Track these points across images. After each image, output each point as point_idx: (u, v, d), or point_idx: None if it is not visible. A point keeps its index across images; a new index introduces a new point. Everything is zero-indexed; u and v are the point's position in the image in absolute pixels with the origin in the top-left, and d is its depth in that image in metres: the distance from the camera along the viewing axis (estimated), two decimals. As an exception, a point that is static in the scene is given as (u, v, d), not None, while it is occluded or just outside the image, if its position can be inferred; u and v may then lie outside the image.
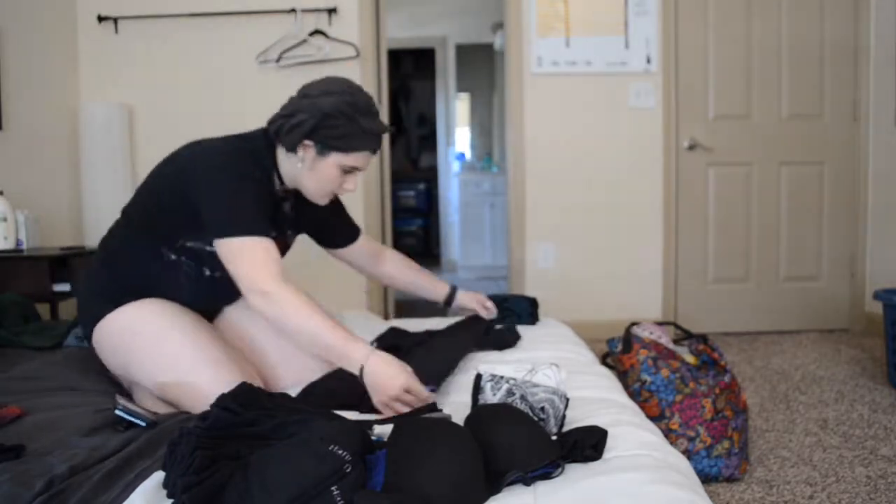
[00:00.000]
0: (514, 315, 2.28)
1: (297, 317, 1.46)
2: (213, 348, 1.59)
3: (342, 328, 1.48)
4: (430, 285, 2.08)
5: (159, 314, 1.61)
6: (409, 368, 1.45)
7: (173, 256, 1.64)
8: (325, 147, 1.59)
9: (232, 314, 1.81)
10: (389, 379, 1.40)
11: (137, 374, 1.60)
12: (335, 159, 1.60)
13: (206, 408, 1.14)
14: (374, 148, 1.63)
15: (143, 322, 1.60)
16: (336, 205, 1.95)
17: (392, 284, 2.12)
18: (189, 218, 1.58)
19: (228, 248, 1.51)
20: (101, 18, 3.55)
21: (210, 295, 1.73)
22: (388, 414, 1.41)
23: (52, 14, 3.39)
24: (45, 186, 3.26)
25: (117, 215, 1.77)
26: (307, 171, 1.63)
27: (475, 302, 2.11)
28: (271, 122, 1.63)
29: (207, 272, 1.68)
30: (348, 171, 1.63)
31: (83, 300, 1.71)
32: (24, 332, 2.05)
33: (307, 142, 1.59)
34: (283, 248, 1.81)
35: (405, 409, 1.39)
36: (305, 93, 1.60)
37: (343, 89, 1.58)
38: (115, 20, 3.55)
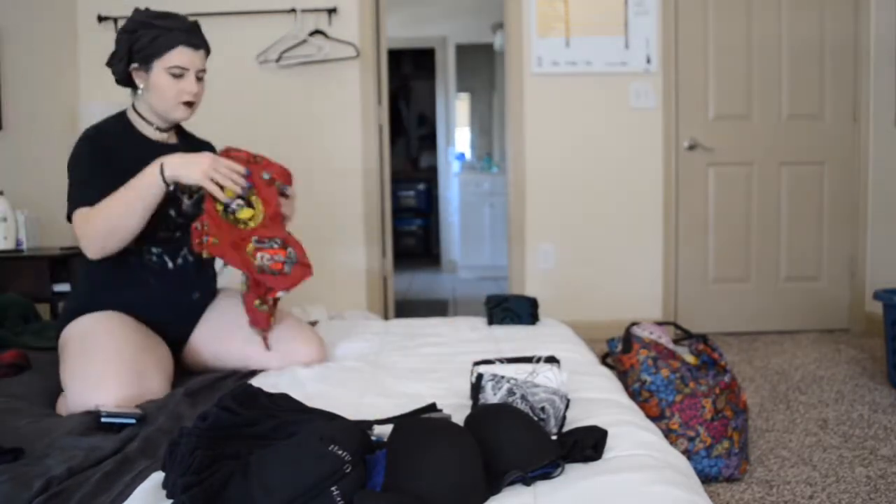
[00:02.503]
0: (514, 315, 2.29)
1: (96, 218, 1.60)
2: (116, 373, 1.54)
3: (125, 187, 1.61)
4: None
5: (91, 331, 1.62)
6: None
7: (133, 254, 1.71)
8: (144, 61, 1.70)
9: (202, 334, 1.84)
10: (194, 157, 1.62)
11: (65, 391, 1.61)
12: (158, 66, 1.70)
13: None
14: (188, 42, 1.71)
15: (77, 340, 1.62)
16: (212, 150, 1.96)
17: None
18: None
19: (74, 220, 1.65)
20: (101, 18, 3.54)
21: (172, 287, 1.78)
22: (215, 184, 1.59)
23: (52, 14, 3.39)
24: (45, 186, 3.26)
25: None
26: (149, 94, 1.73)
27: None
28: (112, 72, 1.77)
29: (170, 264, 1.76)
30: (178, 74, 1.71)
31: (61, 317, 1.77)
32: (24, 332, 2.05)
33: (133, 66, 1.71)
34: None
35: (233, 173, 1.62)
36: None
37: (137, 8, 1.74)
38: (115, 20, 3.55)
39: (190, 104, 1.77)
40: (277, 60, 3.50)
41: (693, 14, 3.66)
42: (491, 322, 2.31)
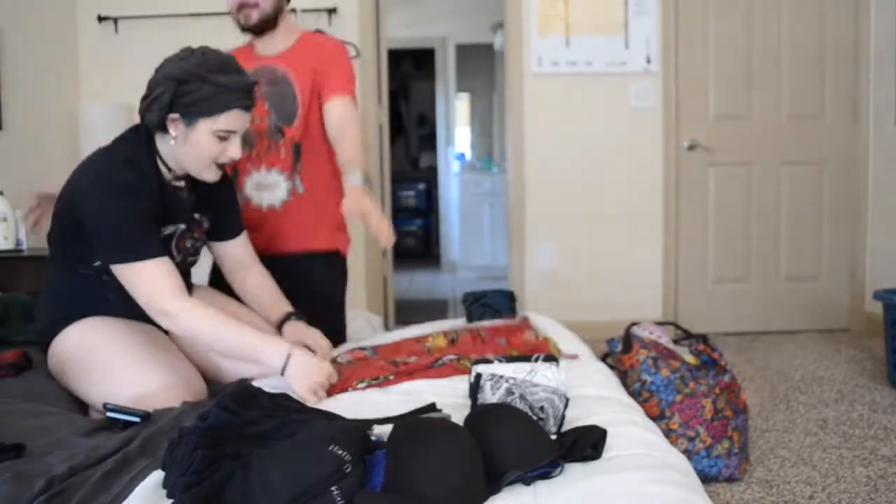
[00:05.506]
0: (492, 310, 2.24)
1: (206, 329, 1.46)
2: (156, 362, 1.52)
3: (253, 330, 1.49)
4: (271, 309, 1.82)
5: (102, 335, 1.56)
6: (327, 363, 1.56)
7: (91, 273, 1.59)
8: (190, 116, 1.51)
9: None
10: (317, 368, 1.49)
11: (92, 398, 1.54)
12: (205, 126, 1.52)
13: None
14: (244, 104, 1.54)
15: (88, 344, 1.55)
16: (231, 192, 1.84)
17: (245, 299, 1.86)
18: (88, 240, 1.53)
19: (125, 273, 1.48)
20: (101, 18, 3.54)
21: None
22: (313, 401, 1.43)
23: (52, 14, 3.39)
24: (45, 186, 3.26)
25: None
26: (182, 147, 1.54)
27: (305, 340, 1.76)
28: (140, 110, 1.56)
29: None
30: (224, 136, 1.54)
31: (36, 328, 1.70)
32: (27, 331, 2.05)
33: (171, 115, 1.51)
34: (200, 232, 1.73)
35: (324, 396, 1.48)
36: (158, 68, 1.54)
37: (193, 53, 1.52)
38: (115, 20, 3.55)
39: (222, 166, 1.60)
40: (277, 60, 3.50)
41: (693, 14, 3.65)
42: (470, 319, 2.27)
